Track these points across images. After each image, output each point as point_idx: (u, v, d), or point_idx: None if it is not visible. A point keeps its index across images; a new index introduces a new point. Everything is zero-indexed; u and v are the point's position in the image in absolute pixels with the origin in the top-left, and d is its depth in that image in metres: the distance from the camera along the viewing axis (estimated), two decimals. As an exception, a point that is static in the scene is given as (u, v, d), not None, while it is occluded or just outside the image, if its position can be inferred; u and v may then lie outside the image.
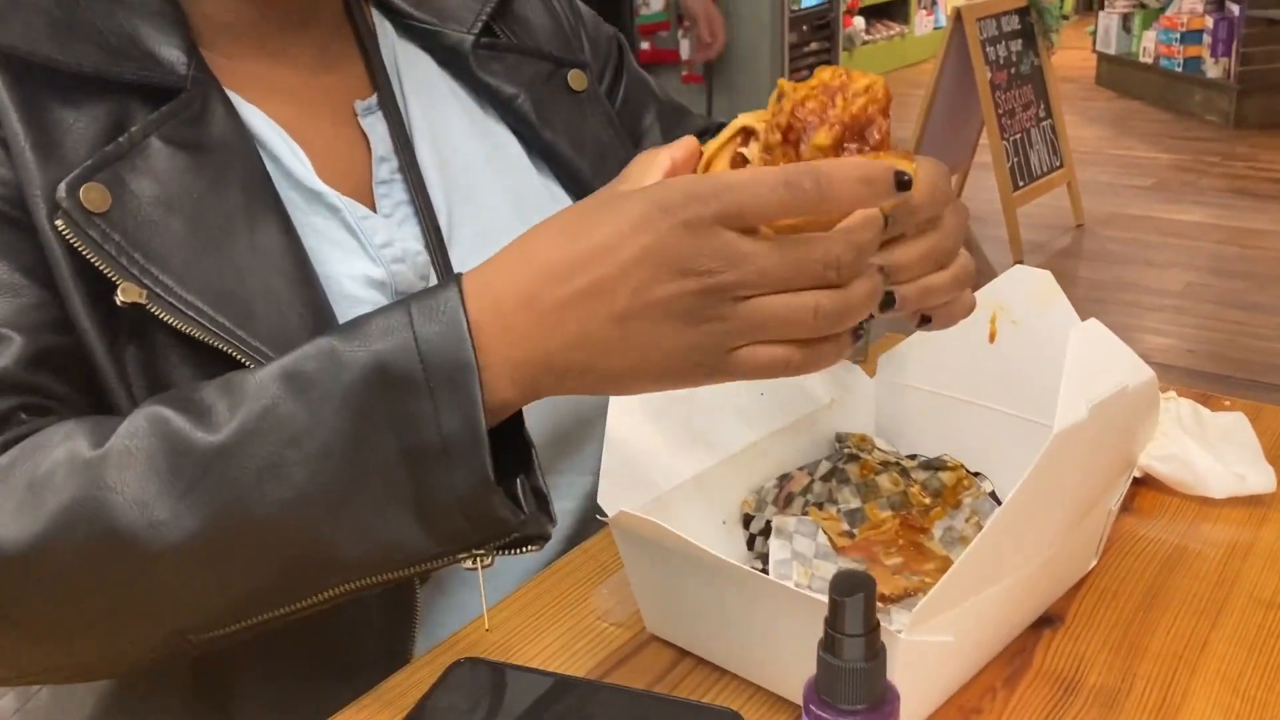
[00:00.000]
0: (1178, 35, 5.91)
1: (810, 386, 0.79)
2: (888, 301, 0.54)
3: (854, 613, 0.45)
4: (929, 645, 0.55)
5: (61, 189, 0.61)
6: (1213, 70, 5.74)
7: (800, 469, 0.78)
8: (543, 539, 0.59)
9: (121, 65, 0.65)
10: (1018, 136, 4.06)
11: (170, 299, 0.62)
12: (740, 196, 0.48)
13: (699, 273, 0.48)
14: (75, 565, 0.54)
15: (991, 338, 0.76)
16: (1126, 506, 0.79)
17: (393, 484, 0.54)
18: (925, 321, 0.59)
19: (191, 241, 0.64)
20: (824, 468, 0.78)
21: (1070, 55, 7.35)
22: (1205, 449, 0.80)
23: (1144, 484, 0.81)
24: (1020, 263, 3.25)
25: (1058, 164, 4.26)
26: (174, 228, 0.63)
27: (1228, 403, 0.91)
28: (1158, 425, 0.81)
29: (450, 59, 0.81)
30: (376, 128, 0.76)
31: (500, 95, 0.81)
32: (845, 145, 0.50)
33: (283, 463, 0.53)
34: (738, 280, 0.48)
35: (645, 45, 6.29)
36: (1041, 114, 4.19)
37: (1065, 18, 8.96)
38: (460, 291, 0.54)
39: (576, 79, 0.84)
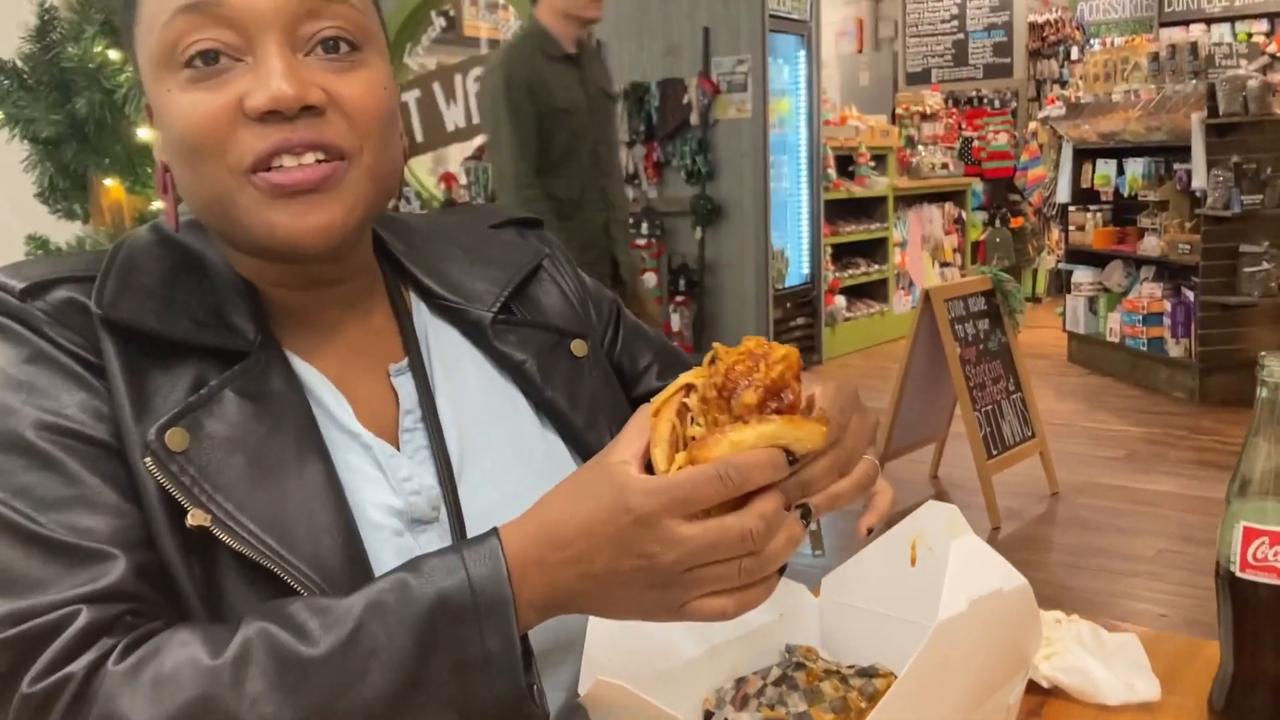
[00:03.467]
0: (1140, 317, 6.28)
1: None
2: (805, 514, 0.70)
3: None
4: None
5: (151, 432, 0.77)
6: (1175, 350, 6.07)
7: (755, 673, 0.91)
8: None
9: (204, 334, 0.83)
10: (989, 408, 4.29)
11: (230, 523, 0.77)
12: (681, 494, 0.65)
13: (648, 555, 0.67)
14: None
15: (913, 562, 0.91)
16: (1036, 713, 0.92)
17: (445, 689, 0.69)
18: (869, 532, 0.76)
19: (250, 475, 0.79)
20: (775, 674, 0.91)
21: (1044, 334, 7.75)
22: (1101, 663, 0.94)
23: (1051, 694, 0.95)
24: (997, 529, 3.39)
25: (1030, 434, 4.48)
26: (237, 464, 0.79)
27: (1125, 627, 1.04)
28: (1058, 641, 0.95)
29: (473, 331, 0.98)
30: (405, 386, 0.93)
31: (512, 360, 0.98)
32: (766, 404, 0.66)
33: (366, 671, 0.68)
34: (677, 559, 0.67)
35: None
36: (1011, 387, 4.44)
37: (1038, 300, 9.51)
38: (500, 544, 0.71)
39: (578, 347, 1.02)
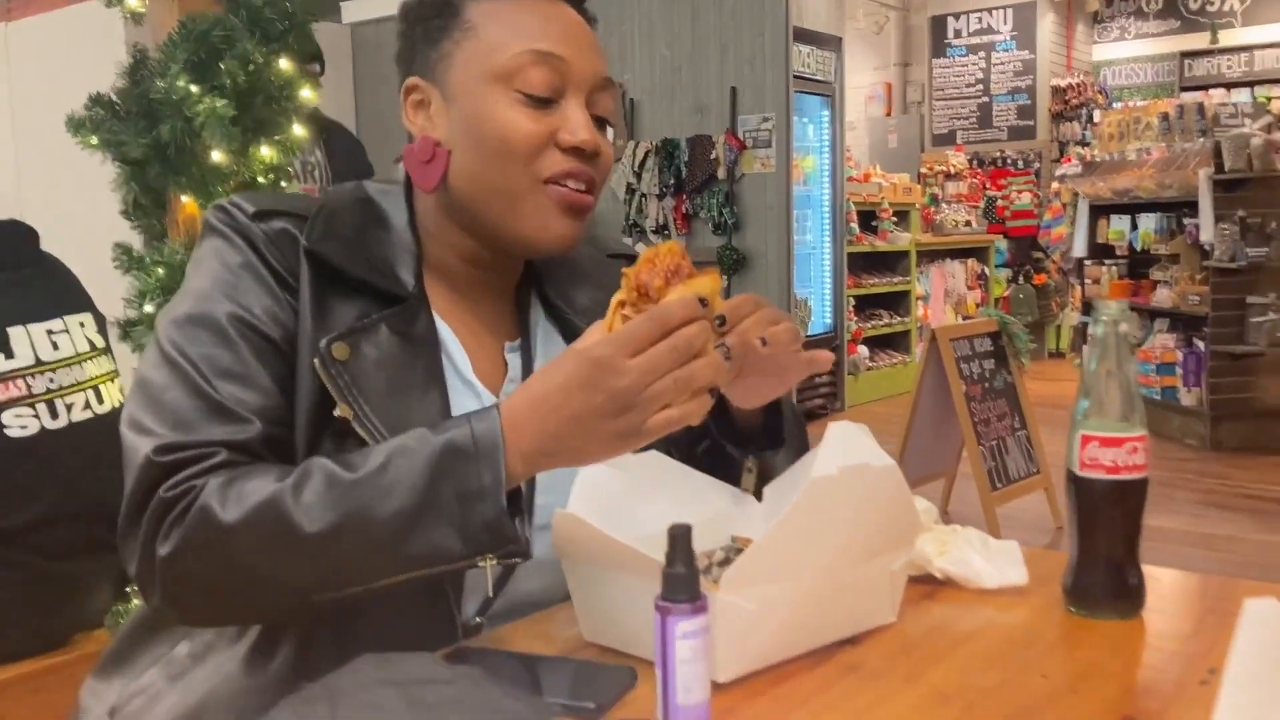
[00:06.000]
0: (1153, 367, 6.45)
1: (718, 500, 1.17)
2: (727, 354, 0.96)
3: (681, 543, 0.82)
4: (738, 607, 0.90)
5: (323, 343, 1.03)
6: (1187, 399, 6.23)
7: (703, 552, 1.14)
8: (527, 555, 0.97)
9: (375, 277, 1.10)
10: (994, 443, 4.49)
11: (366, 421, 1.03)
12: (624, 336, 0.90)
13: (608, 387, 0.91)
14: (261, 536, 0.93)
15: (828, 470, 1.14)
16: (930, 596, 1.14)
17: (447, 510, 0.93)
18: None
19: (387, 390, 1.05)
20: (719, 555, 1.14)
21: (1065, 386, 7.92)
22: (983, 558, 1.17)
23: (943, 584, 1.17)
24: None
25: (1034, 470, 4.66)
26: (379, 380, 1.05)
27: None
28: (951, 543, 1.18)
29: (571, 335, 1.22)
30: (514, 361, 1.21)
31: None
32: (671, 282, 0.92)
33: (390, 491, 0.93)
34: (631, 383, 0.90)
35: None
36: (1016, 425, 4.64)
37: (1061, 354, 9.67)
38: (498, 409, 0.95)
39: None
